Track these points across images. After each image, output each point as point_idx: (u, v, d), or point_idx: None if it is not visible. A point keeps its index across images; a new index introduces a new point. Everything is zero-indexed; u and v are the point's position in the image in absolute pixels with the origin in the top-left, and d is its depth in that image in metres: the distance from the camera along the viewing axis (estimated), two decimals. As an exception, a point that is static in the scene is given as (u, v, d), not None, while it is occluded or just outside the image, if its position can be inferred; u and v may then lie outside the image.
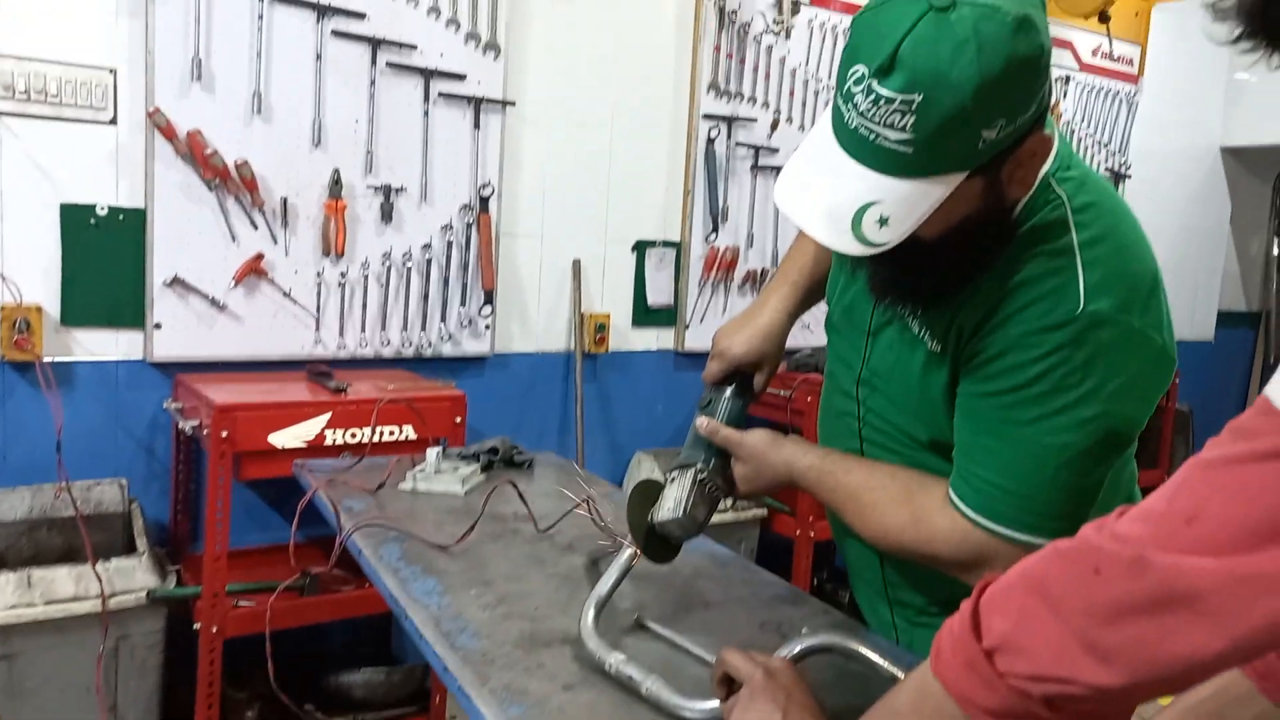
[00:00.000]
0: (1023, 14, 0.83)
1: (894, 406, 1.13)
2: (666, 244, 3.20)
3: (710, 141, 3.17)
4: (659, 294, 3.20)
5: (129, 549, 2.16)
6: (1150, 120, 4.41)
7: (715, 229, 3.23)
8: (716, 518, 1.22)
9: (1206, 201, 4.89)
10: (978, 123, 0.83)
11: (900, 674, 0.89)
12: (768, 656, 0.90)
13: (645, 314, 3.18)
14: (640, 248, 3.15)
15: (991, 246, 0.97)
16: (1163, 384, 1.00)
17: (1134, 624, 0.53)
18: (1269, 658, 0.75)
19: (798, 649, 0.93)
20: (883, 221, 0.87)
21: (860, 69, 0.84)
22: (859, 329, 1.17)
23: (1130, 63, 4.27)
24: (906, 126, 0.83)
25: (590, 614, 1.10)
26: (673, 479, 1.19)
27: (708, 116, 3.16)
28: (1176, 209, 4.72)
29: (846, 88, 0.86)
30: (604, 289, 3.10)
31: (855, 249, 0.89)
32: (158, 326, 2.34)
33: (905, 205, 0.87)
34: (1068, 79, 4.06)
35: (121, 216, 2.29)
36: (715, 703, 0.91)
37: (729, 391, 1.24)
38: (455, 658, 1.05)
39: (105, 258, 2.29)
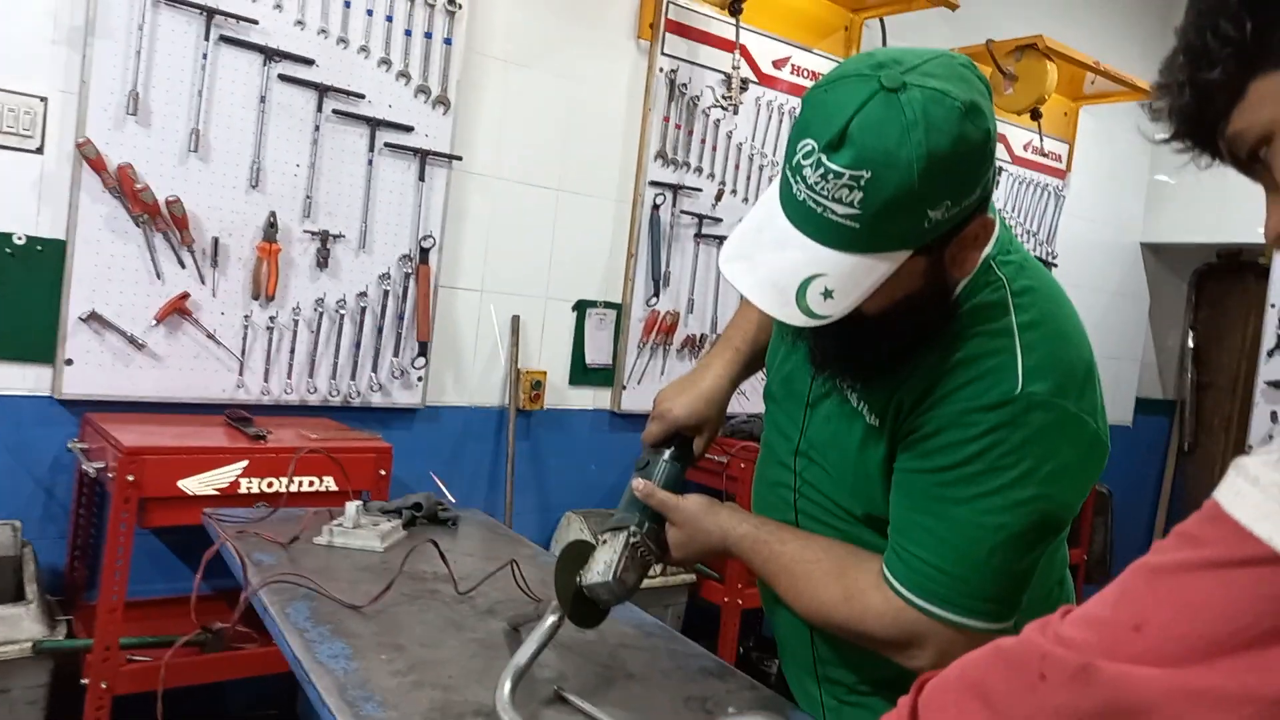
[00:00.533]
0: (970, 100, 0.85)
1: (830, 479, 1.11)
2: (608, 305, 3.19)
3: (655, 208, 3.20)
4: (598, 353, 3.19)
5: (18, 595, 2.02)
6: (1076, 213, 4.60)
7: (656, 293, 3.25)
8: (645, 582, 1.18)
9: (1127, 293, 5.10)
10: (924, 203, 0.84)
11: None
12: None
13: (583, 373, 3.16)
14: (581, 307, 3.14)
15: (932, 324, 0.97)
16: (1097, 470, 1.00)
17: None
18: None
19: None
20: (827, 294, 0.88)
21: (810, 143, 0.85)
22: (798, 400, 1.15)
23: (1059, 158, 4.47)
24: (854, 202, 0.84)
25: (506, 685, 1.05)
26: (604, 541, 1.15)
27: (654, 183, 3.20)
28: (1100, 299, 4.91)
29: (795, 161, 0.86)
30: (542, 346, 3.07)
31: (799, 320, 0.89)
32: (69, 362, 2.24)
33: (850, 279, 0.88)
34: (1000, 170, 4.23)
35: (40, 247, 2.20)
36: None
37: (667, 454, 1.21)
38: (358, 730, 0.98)
39: (19, 288, 2.18)
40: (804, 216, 0.87)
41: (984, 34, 3.92)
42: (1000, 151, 4.22)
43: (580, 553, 1.15)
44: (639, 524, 1.15)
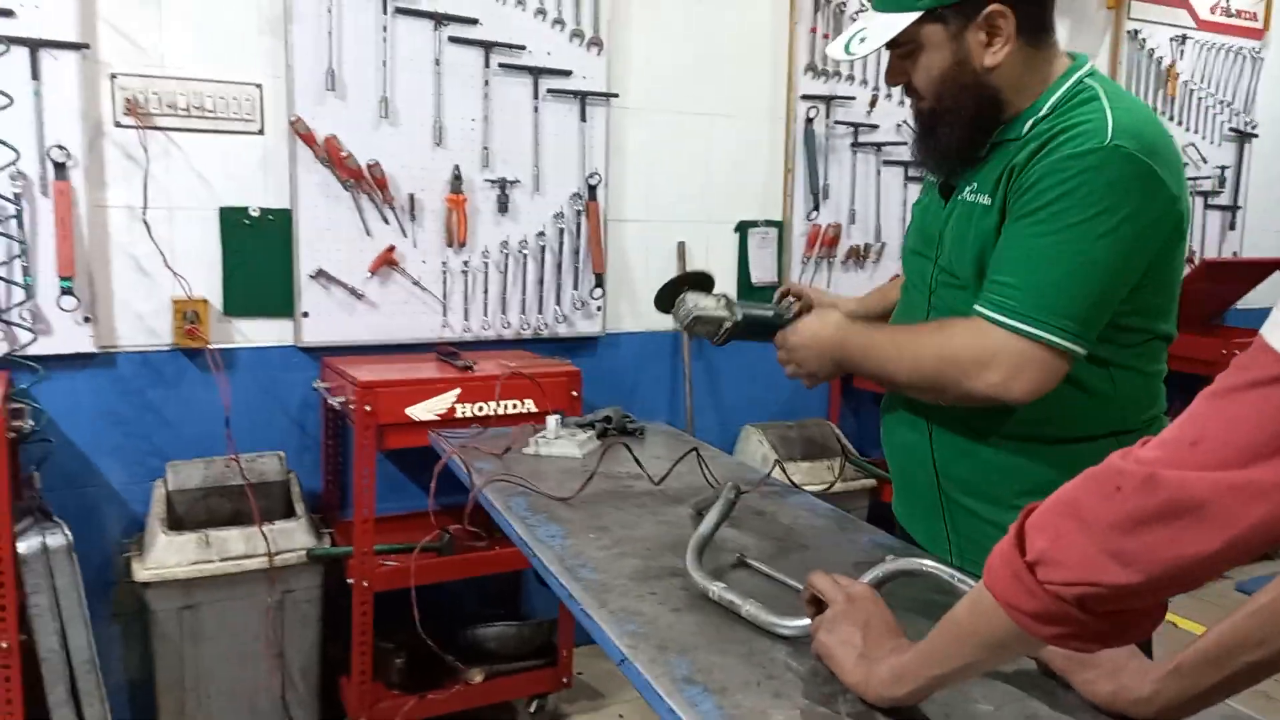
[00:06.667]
0: None
1: (957, 274, 1.28)
2: (769, 223, 3.29)
3: (809, 121, 3.24)
4: (763, 271, 3.29)
5: (289, 513, 2.42)
6: (1278, 78, 4.20)
7: (816, 207, 3.30)
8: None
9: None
10: None
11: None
12: (851, 581, 1.01)
13: (750, 292, 3.28)
14: (743, 228, 3.25)
15: (986, 110, 1.23)
16: (1176, 237, 1.19)
17: (1149, 532, 0.62)
18: None
19: (880, 574, 1.04)
20: (862, 39, 1.25)
21: None
22: (930, 236, 1.35)
23: (1254, 17, 4.08)
24: None
25: (693, 551, 1.23)
26: (717, 301, 1.46)
27: (805, 97, 3.23)
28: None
29: None
30: (710, 269, 3.20)
31: (842, 55, 1.28)
32: (305, 315, 2.60)
33: (878, 29, 1.23)
34: (1184, 38, 3.92)
35: (270, 217, 2.55)
36: (806, 620, 1.03)
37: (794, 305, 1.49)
38: (578, 586, 1.20)
39: (258, 254, 2.55)
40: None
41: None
42: (1184, 17, 3.91)
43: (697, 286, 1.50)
44: (741, 317, 1.44)
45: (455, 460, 1.79)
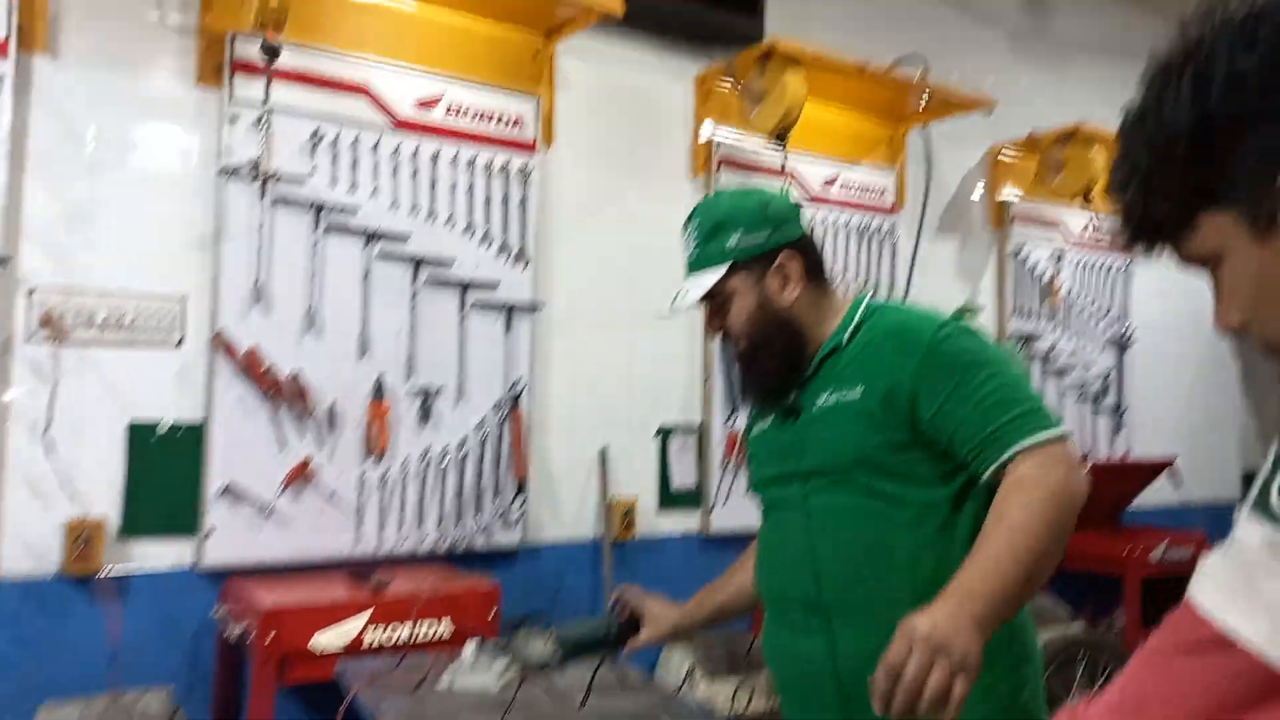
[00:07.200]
0: (752, 189, 1.63)
1: (834, 465, 1.41)
2: (689, 428, 3.34)
3: (726, 331, 3.37)
4: (683, 477, 3.32)
5: (173, 757, 2.20)
6: (1149, 290, 4.61)
7: (735, 411, 3.38)
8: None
9: (1215, 363, 5.01)
10: (725, 230, 1.49)
11: None
12: None
13: (670, 498, 3.28)
14: (663, 433, 3.30)
15: (792, 341, 1.48)
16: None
17: None
18: None
19: None
20: (685, 295, 1.52)
21: (687, 228, 1.57)
22: (787, 450, 1.49)
23: (1120, 237, 4.51)
24: (693, 238, 1.53)
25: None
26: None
27: (722, 308, 3.37)
28: (1186, 371, 4.85)
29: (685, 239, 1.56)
30: (630, 475, 3.22)
31: (669, 309, 1.54)
32: (209, 534, 2.47)
33: (697, 285, 1.51)
34: (1061, 255, 4.30)
35: (181, 432, 2.48)
36: None
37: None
38: None
39: (165, 471, 2.45)
40: (686, 264, 1.56)
41: (1024, 129, 4.06)
42: (1058, 236, 4.30)
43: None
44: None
45: (360, 700, 1.68)
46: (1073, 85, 4.44)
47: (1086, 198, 4.01)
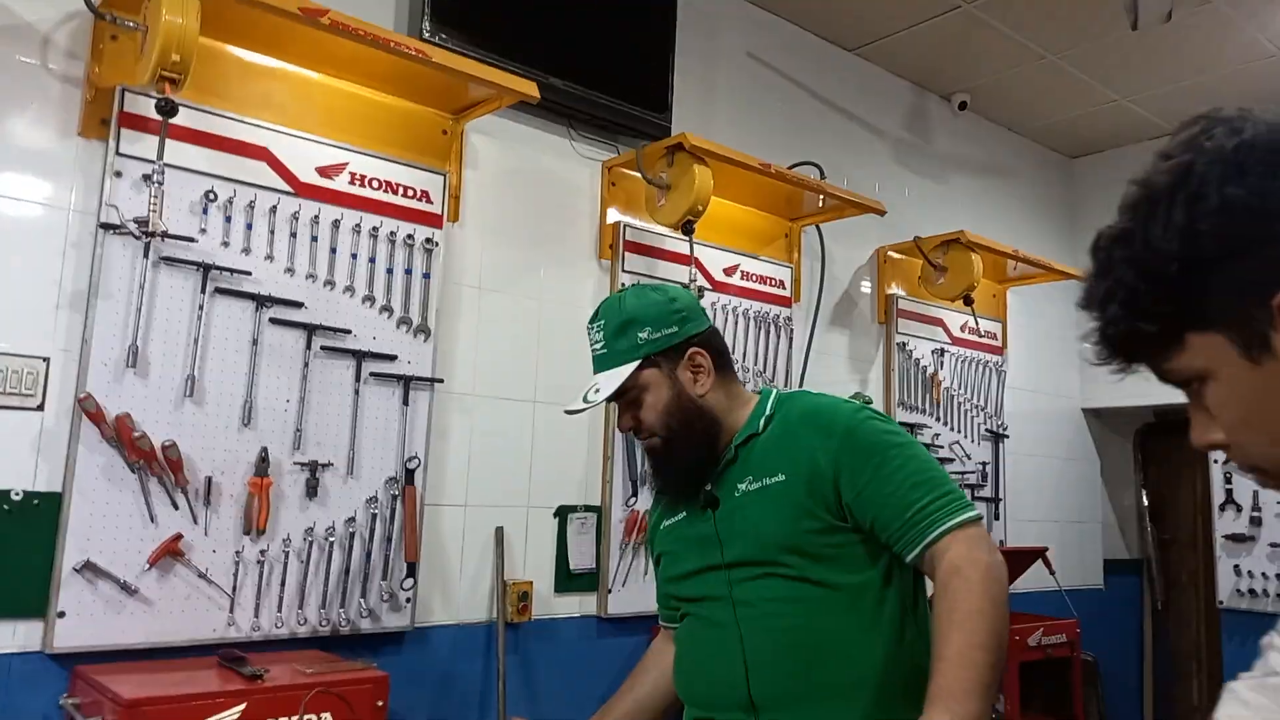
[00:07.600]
0: (656, 286, 1.64)
1: (761, 553, 1.39)
2: (588, 508, 3.27)
3: (626, 412, 3.35)
4: (581, 558, 3.23)
5: None
6: (1018, 386, 4.88)
7: (635, 493, 3.34)
8: None
9: (1078, 457, 5.31)
10: (633, 328, 1.51)
11: None
12: None
13: (568, 579, 3.18)
14: (562, 513, 3.21)
15: (707, 431, 1.51)
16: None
17: None
18: None
19: None
20: (596, 390, 1.52)
21: (590, 326, 1.60)
22: (708, 541, 1.48)
23: (995, 336, 4.78)
24: (599, 337, 1.55)
25: None
26: None
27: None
28: (1052, 465, 5.11)
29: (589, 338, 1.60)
30: (527, 555, 3.12)
31: (580, 406, 1.54)
32: (61, 615, 2.23)
33: (608, 381, 1.51)
34: (942, 351, 4.51)
35: (36, 501, 2.25)
36: None
37: None
38: None
39: (13, 544, 2.21)
40: (594, 361, 1.58)
41: (911, 233, 4.30)
42: (940, 335, 4.52)
43: None
44: None
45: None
46: (954, 197, 4.75)
47: (966, 301, 4.24)
